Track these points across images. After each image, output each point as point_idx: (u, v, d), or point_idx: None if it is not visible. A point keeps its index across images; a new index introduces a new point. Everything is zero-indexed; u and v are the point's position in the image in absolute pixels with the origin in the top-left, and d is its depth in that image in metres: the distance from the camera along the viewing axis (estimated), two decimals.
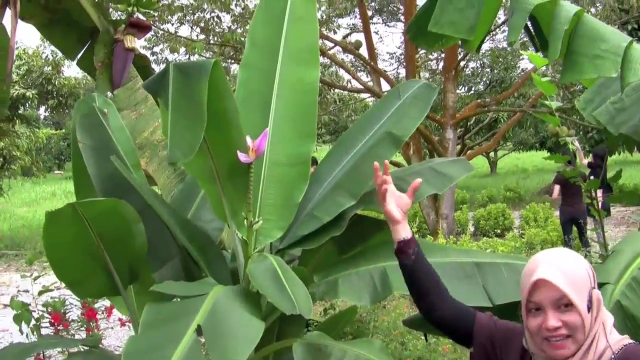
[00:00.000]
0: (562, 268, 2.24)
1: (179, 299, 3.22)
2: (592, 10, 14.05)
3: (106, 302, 6.88)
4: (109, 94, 4.94)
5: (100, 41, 4.99)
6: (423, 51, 20.71)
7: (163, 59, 20.40)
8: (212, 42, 17.96)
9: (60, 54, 21.81)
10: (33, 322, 6.10)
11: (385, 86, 17.85)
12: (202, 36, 17.97)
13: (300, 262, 4.04)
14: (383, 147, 3.86)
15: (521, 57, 25.23)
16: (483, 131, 30.48)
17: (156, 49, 19.83)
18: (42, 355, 6.75)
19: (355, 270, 3.51)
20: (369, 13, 20.58)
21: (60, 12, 5.15)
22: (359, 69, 23.60)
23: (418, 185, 2.86)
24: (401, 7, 22.64)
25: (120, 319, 7.20)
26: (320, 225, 3.67)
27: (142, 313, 2.75)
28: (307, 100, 3.95)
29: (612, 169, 5.97)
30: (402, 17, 22.94)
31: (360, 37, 19.02)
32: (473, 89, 28.90)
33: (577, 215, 12.81)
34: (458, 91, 20.17)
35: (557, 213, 14.09)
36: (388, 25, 26.50)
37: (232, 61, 19.20)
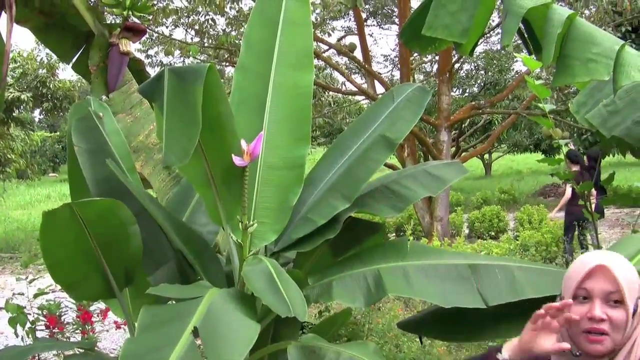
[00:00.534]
0: (622, 265, 2.25)
1: (174, 302, 3.24)
2: (586, 12, 14.07)
3: (101, 305, 6.89)
4: (104, 97, 4.95)
5: (96, 45, 5.00)
6: (417, 54, 20.74)
7: (158, 61, 20.43)
8: (206, 44, 17.96)
9: (55, 57, 21.78)
10: (28, 324, 6.11)
11: (379, 89, 17.89)
12: (196, 39, 17.96)
13: (295, 264, 4.06)
14: (377, 150, 3.88)
15: (515, 60, 25.32)
16: (477, 133, 30.56)
17: (151, 52, 19.87)
18: (37, 358, 6.75)
19: (349, 273, 3.51)
20: (364, 15, 20.61)
21: (55, 16, 5.15)
22: (354, 71, 23.63)
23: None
24: (395, 9, 22.68)
25: (115, 322, 7.21)
26: (315, 228, 3.69)
27: (137, 316, 2.76)
28: (301, 104, 3.97)
29: (606, 171, 5.99)
30: (396, 20, 22.98)
31: (354, 39, 19.05)
32: (467, 91, 28.99)
33: (583, 216, 12.83)
34: (452, 93, 20.21)
35: (558, 215, 14.10)
36: (382, 28, 26.60)
37: (227, 64, 19.20)
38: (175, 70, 3.22)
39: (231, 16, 17.11)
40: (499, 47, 24.57)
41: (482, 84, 27.75)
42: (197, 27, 17.57)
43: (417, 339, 7.24)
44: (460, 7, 3.46)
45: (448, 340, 6.02)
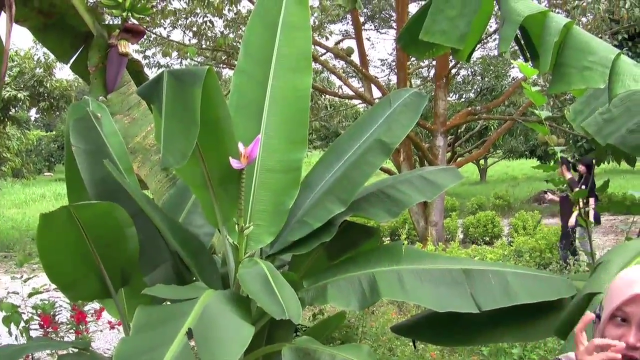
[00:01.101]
0: None
1: (169, 303, 3.25)
2: (583, 19, 14.09)
3: (95, 305, 6.90)
4: (102, 98, 4.96)
5: (95, 46, 5.02)
6: (415, 58, 20.75)
7: (155, 62, 20.40)
8: (204, 46, 17.96)
9: (52, 56, 21.76)
10: (22, 324, 6.10)
11: (376, 93, 17.92)
12: (194, 40, 17.96)
13: (291, 267, 4.08)
14: (373, 154, 3.90)
15: (512, 66, 25.30)
16: (473, 139, 30.57)
17: (148, 53, 19.85)
18: (31, 357, 6.75)
19: (344, 276, 3.53)
20: (361, 19, 20.64)
21: (54, 16, 5.16)
22: (351, 75, 23.65)
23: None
24: (393, 13, 22.70)
25: (109, 322, 7.20)
26: (311, 231, 3.72)
27: (133, 316, 2.77)
28: (299, 107, 3.99)
29: (601, 178, 6.01)
30: (394, 24, 23.00)
31: (352, 43, 19.06)
32: (464, 96, 28.96)
33: (578, 223, 12.87)
34: (449, 99, 20.22)
35: (554, 220, 14.13)
36: (380, 32, 26.59)
37: (224, 66, 19.22)
38: (174, 73, 3.23)
39: (229, 18, 17.10)
40: (495, 52, 24.60)
41: (478, 90, 27.75)
42: (195, 28, 17.57)
43: (411, 343, 7.26)
44: (459, 12, 3.49)
45: (441, 345, 6.04)
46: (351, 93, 17.78)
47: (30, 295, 6.54)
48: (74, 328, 6.89)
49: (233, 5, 16.52)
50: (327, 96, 23.13)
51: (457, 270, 3.51)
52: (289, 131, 3.92)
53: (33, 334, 6.30)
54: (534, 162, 37.16)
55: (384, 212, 3.86)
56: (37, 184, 39.96)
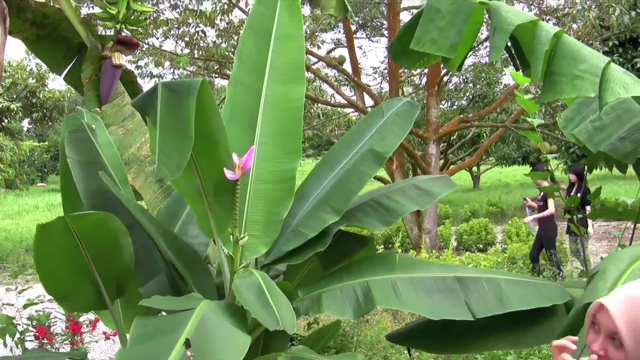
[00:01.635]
0: (630, 305, 2.14)
1: (164, 313, 3.27)
2: (574, 26, 14.13)
3: (90, 316, 6.90)
4: (97, 109, 4.97)
5: (88, 58, 5.03)
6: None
7: (147, 72, 20.40)
8: (196, 56, 17.97)
9: (44, 67, 21.76)
10: (18, 335, 6.10)
11: (368, 101, 17.93)
12: (186, 50, 17.97)
13: (285, 277, 4.10)
14: (367, 164, 3.93)
15: (503, 73, 25.35)
16: (466, 146, 30.58)
17: (140, 63, 19.84)
18: None
19: (338, 285, 3.55)
20: (353, 28, 20.64)
21: (48, 28, 5.18)
22: (343, 83, 23.67)
23: None
24: (385, 22, 22.74)
25: (104, 332, 7.20)
26: (305, 240, 3.74)
27: (129, 326, 2.78)
28: (292, 117, 4.01)
29: (593, 184, 6.05)
30: (385, 32, 23.02)
31: (344, 52, 19.08)
32: (456, 104, 28.97)
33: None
34: (441, 106, 20.23)
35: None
36: (372, 40, 26.55)
37: (216, 75, 19.22)
38: (169, 85, 3.25)
39: (221, 28, 17.12)
40: (487, 60, 24.65)
41: (470, 97, 27.77)
42: (187, 38, 17.58)
43: (405, 351, 7.28)
44: (449, 22, 3.52)
45: (436, 352, 6.05)
46: (343, 101, 17.79)
47: (25, 306, 6.54)
48: (69, 339, 6.89)
49: (225, 15, 16.55)
50: (319, 105, 23.15)
51: (451, 278, 3.54)
52: (283, 141, 3.94)
53: (28, 345, 6.30)
54: (527, 168, 37.17)
55: (377, 221, 3.88)
56: (30, 194, 39.87)
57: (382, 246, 18.07)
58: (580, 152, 19.66)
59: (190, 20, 17.00)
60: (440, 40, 3.53)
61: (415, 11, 18.40)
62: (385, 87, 25.00)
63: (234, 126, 3.84)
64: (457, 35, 3.50)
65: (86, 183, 3.85)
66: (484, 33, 17.27)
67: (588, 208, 11.57)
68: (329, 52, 22.38)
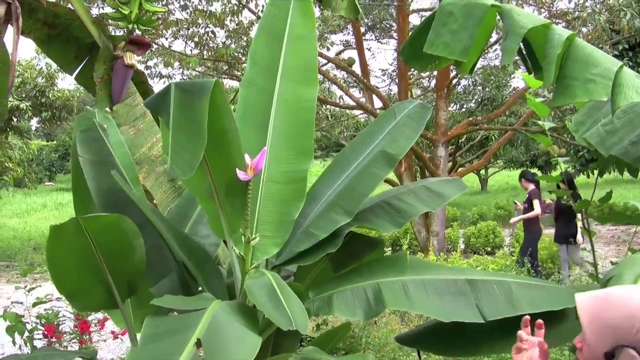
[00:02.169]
0: (600, 306, 2.22)
1: (175, 313, 3.27)
2: (584, 30, 14.11)
3: (99, 315, 6.91)
4: (108, 109, 4.98)
5: (100, 57, 5.03)
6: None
7: (157, 72, 20.41)
8: (206, 57, 17.96)
9: (54, 66, 21.77)
10: (26, 333, 6.11)
11: (377, 103, 17.93)
12: (196, 51, 17.97)
13: (296, 278, 4.11)
14: (378, 165, 3.94)
15: (513, 76, 25.31)
16: (474, 149, 30.58)
17: (150, 63, 19.85)
18: None
19: (349, 287, 3.55)
20: (362, 29, 20.63)
21: (59, 28, 5.18)
22: (352, 85, 23.65)
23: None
24: (394, 24, 22.73)
25: (112, 332, 7.21)
26: (316, 242, 3.74)
27: (139, 326, 2.79)
28: (304, 118, 4.02)
29: (602, 188, 6.04)
30: (395, 34, 23.02)
31: (353, 53, 19.08)
32: (465, 106, 28.94)
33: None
34: (450, 109, 20.23)
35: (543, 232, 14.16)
36: (381, 42, 26.52)
37: (226, 76, 19.22)
38: (182, 86, 3.26)
39: (231, 29, 17.12)
40: (496, 63, 24.63)
41: (479, 100, 27.73)
42: (196, 39, 17.57)
43: (414, 353, 7.27)
44: (462, 25, 3.52)
45: (445, 355, 6.02)
46: (352, 103, 17.79)
47: (34, 304, 6.56)
48: (78, 338, 6.90)
49: (235, 16, 16.55)
50: (328, 106, 23.14)
51: (462, 280, 3.54)
52: (295, 142, 3.95)
53: (37, 343, 6.31)
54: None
55: (388, 222, 3.89)
56: (38, 193, 39.99)
57: (390, 248, 18.09)
58: (589, 156, 19.60)
59: (200, 21, 16.99)
60: (453, 43, 3.54)
61: (424, 13, 18.49)
62: (394, 89, 25.03)
63: (246, 127, 3.85)
64: (469, 39, 3.50)
65: (97, 182, 3.85)
66: (492, 36, 17.25)
67: (579, 215, 11.59)
68: (338, 53, 22.37)
